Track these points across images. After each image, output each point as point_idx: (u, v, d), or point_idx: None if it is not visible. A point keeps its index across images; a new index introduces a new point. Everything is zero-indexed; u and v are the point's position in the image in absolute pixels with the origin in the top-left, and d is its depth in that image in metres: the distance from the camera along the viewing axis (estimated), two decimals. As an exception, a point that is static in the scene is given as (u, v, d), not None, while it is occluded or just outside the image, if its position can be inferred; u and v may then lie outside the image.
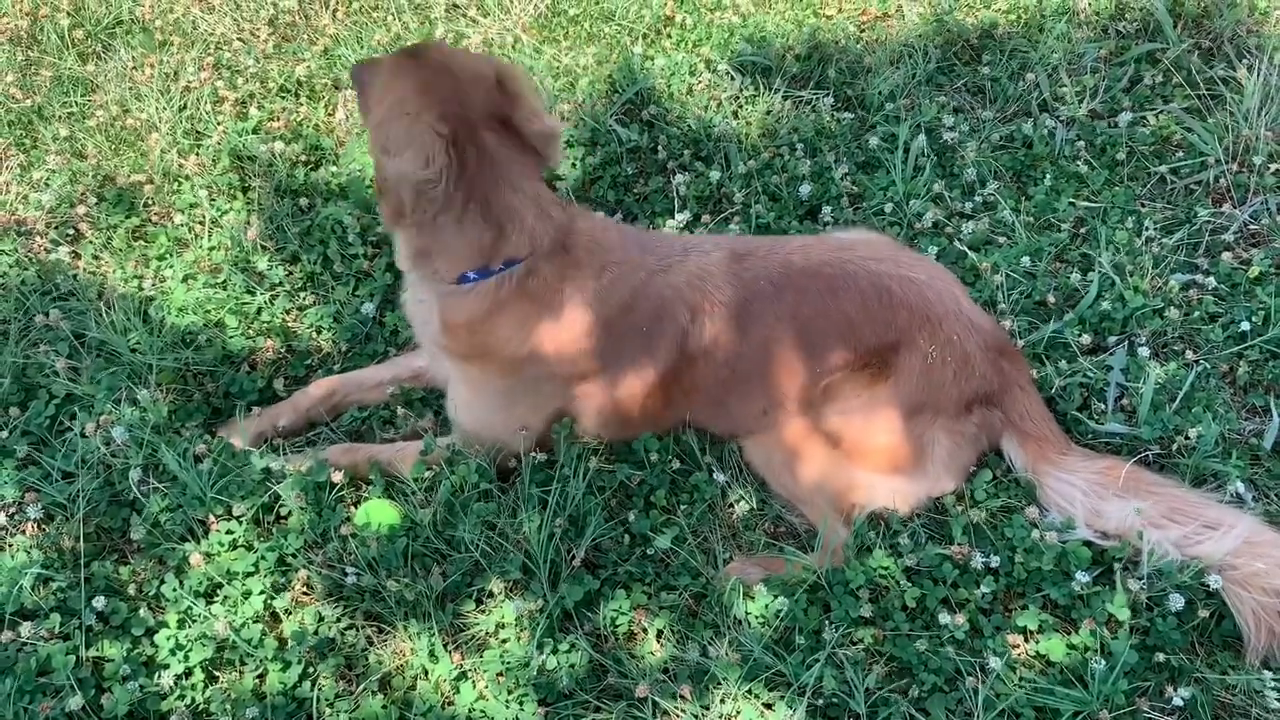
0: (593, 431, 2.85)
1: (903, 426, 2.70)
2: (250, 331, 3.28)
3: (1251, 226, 3.57)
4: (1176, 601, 2.49)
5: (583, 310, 2.67)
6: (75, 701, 2.31)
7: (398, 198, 2.50)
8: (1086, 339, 3.16)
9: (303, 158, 3.80)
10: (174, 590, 2.53)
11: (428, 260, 2.64)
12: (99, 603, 2.48)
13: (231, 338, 3.23)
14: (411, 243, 2.63)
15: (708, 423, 2.91)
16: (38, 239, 3.53)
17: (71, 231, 3.59)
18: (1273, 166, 3.66)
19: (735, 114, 4.01)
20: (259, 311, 3.34)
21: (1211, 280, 3.32)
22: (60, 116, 4.02)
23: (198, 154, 3.82)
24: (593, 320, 2.67)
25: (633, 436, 2.89)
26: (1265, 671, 2.45)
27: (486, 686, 2.43)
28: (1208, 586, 2.51)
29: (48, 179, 3.73)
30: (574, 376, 2.74)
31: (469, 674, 2.45)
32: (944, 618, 2.52)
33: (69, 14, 4.45)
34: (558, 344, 2.68)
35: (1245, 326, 3.15)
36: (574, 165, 3.80)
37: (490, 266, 2.61)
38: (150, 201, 3.69)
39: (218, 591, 2.55)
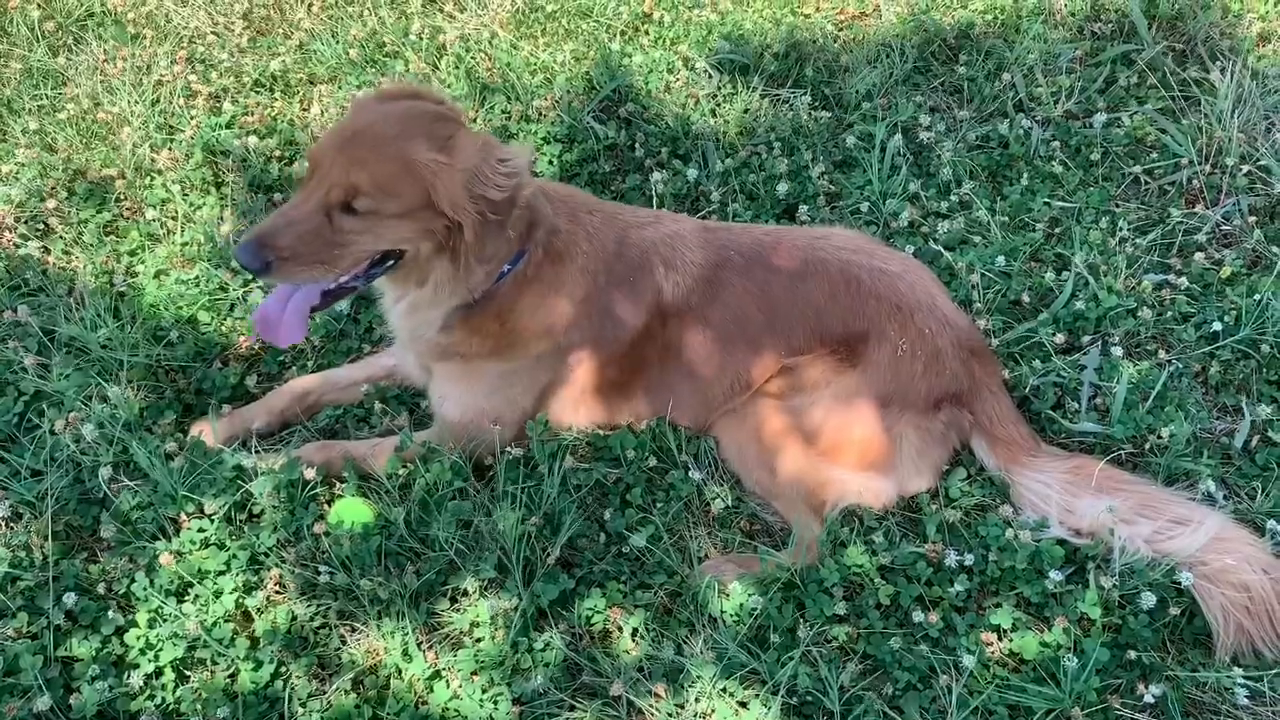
0: (571, 412, 2.87)
1: (873, 421, 2.71)
2: (223, 328, 3.25)
3: (1224, 227, 3.60)
4: (1148, 599, 2.50)
5: (588, 255, 2.75)
6: (43, 701, 2.27)
7: (509, 222, 2.54)
8: (1060, 338, 3.17)
9: (277, 153, 3.77)
10: (144, 589, 2.50)
11: (472, 276, 2.62)
12: (68, 601, 2.45)
13: (204, 334, 3.20)
14: (472, 268, 2.60)
15: (680, 400, 2.90)
16: (6, 233, 3.49)
17: (41, 226, 3.54)
18: (1245, 168, 3.70)
19: (713, 112, 4.01)
20: (232, 307, 3.31)
21: (1184, 280, 3.34)
22: (30, 109, 3.97)
23: (170, 148, 3.78)
24: (598, 260, 2.76)
25: (610, 423, 2.91)
26: (1235, 668, 2.47)
27: (460, 685, 2.41)
28: (1179, 584, 2.53)
29: (17, 172, 3.68)
30: (570, 345, 2.78)
31: (443, 673, 2.44)
32: (918, 616, 2.53)
33: (40, 5, 4.40)
34: (573, 296, 2.74)
35: (1217, 327, 3.18)
36: (551, 162, 3.79)
37: (523, 248, 2.67)
38: (122, 196, 3.65)
39: (189, 590, 2.52)
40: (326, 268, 2.45)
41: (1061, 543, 2.64)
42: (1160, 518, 2.63)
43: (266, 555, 2.59)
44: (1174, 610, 2.52)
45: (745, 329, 2.81)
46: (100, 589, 2.52)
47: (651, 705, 2.39)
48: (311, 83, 4.16)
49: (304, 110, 4.03)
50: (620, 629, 2.54)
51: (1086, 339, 3.21)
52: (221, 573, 2.54)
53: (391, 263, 2.56)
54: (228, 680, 2.39)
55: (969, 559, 2.61)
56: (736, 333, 2.81)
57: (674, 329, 2.81)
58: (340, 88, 4.09)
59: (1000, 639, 2.52)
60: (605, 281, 2.76)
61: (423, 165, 2.41)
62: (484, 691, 2.40)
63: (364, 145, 2.42)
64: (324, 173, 2.42)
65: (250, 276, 2.38)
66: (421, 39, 4.23)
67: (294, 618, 2.49)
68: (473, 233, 2.48)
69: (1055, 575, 2.55)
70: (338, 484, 2.78)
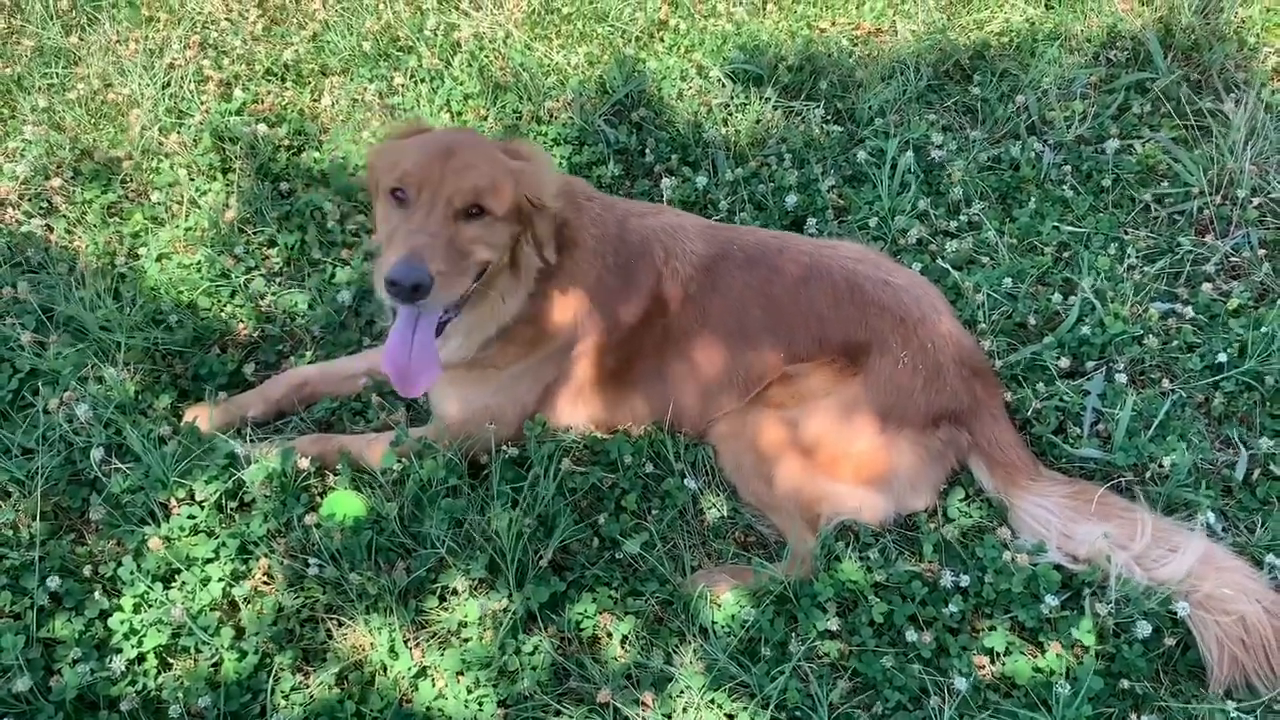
0: (570, 409, 2.86)
1: (872, 434, 2.69)
2: (223, 314, 3.23)
3: (1232, 259, 3.58)
4: (1143, 629, 2.48)
5: (596, 238, 2.77)
6: (23, 682, 2.25)
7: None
8: (1065, 363, 3.15)
9: (285, 142, 3.75)
10: (131, 573, 2.47)
11: (527, 280, 2.68)
12: (53, 582, 2.42)
13: (203, 319, 3.18)
14: (530, 270, 2.67)
15: (677, 398, 2.87)
16: (10, 210, 3.47)
17: (45, 204, 3.52)
18: (1256, 200, 3.68)
19: (725, 121, 3.99)
20: (233, 294, 3.29)
21: (1191, 310, 3.33)
22: (40, 87, 3.95)
23: (179, 133, 3.76)
24: (604, 243, 2.78)
25: (608, 421, 2.90)
26: (1228, 702, 2.44)
27: (446, 685, 2.39)
28: (1174, 615, 2.51)
29: (23, 149, 3.67)
30: (579, 335, 2.78)
31: (429, 671, 2.41)
32: (911, 635, 2.50)
33: (54, -16, 4.38)
34: (587, 282, 2.76)
35: (1222, 358, 3.16)
36: (561, 163, 3.77)
37: None
38: (128, 178, 3.63)
39: (176, 576, 2.50)
40: (462, 281, 2.46)
41: (1058, 568, 2.62)
42: (1156, 546, 2.61)
43: (256, 545, 2.56)
44: (1169, 640, 2.49)
45: (745, 325, 2.79)
46: (86, 571, 2.50)
47: (639, 713, 2.36)
48: (323, 74, 4.14)
49: (315, 101, 4.02)
50: (610, 635, 2.52)
51: (1091, 364, 3.19)
52: (210, 560, 2.52)
53: (477, 283, 2.56)
54: (211, 669, 2.37)
55: (965, 580, 2.59)
56: (736, 328, 2.79)
57: (673, 318, 2.80)
58: (352, 80, 4.07)
59: (993, 662, 2.50)
60: (612, 263, 2.76)
61: (518, 170, 2.51)
62: (469, 692, 2.37)
63: (466, 155, 2.46)
64: (436, 186, 2.42)
65: (402, 302, 2.34)
66: (436, 35, 4.22)
67: (281, 609, 2.47)
68: (549, 227, 2.59)
69: (1051, 600, 2.52)
70: (331, 476, 2.75)
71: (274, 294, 3.32)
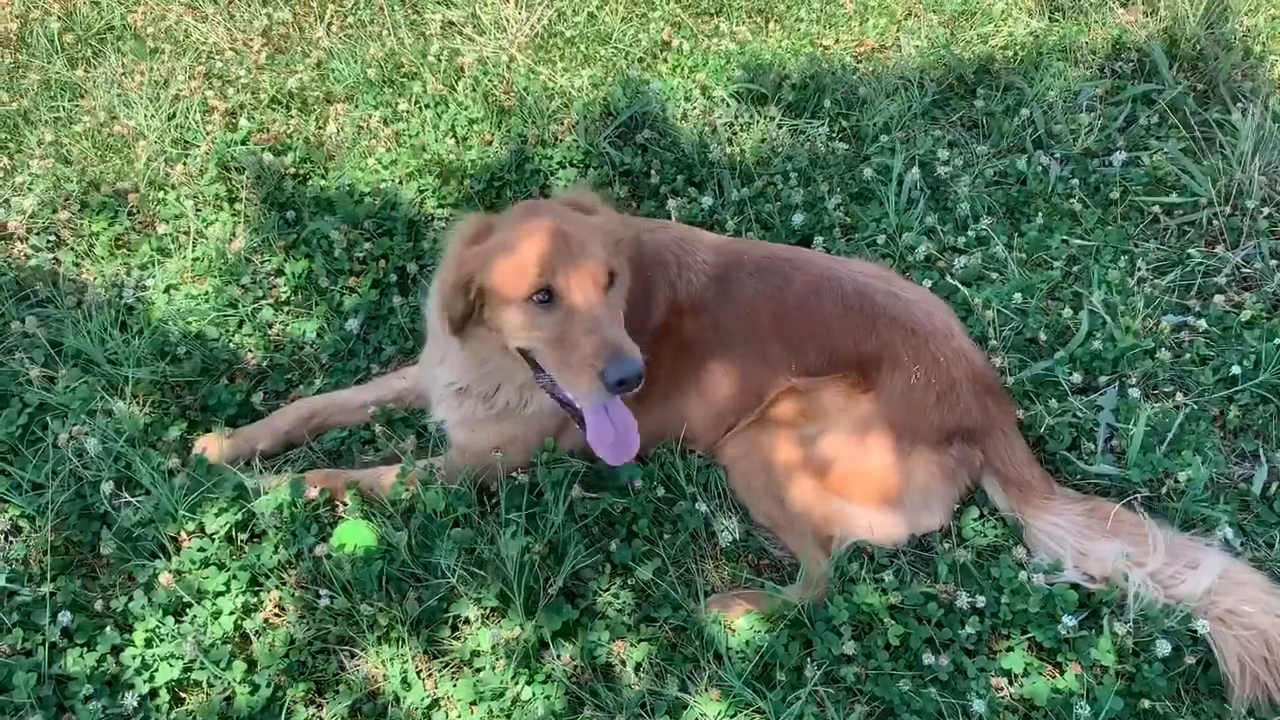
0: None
1: (885, 453, 2.67)
2: (231, 344, 3.23)
3: (1244, 270, 3.56)
4: (1163, 647, 2.45)
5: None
6: (36, 720, 2.24)
7: None
8: (1077, 378, 3.13)
9: (292, 170, 3.76)
10: (142, 607, 2.46)
11: None
12: (64, 618, 2.41)
13: (211, 350, 3.18)
14: None
15: (691, 410, 2.85)
16: (18, 244, 3.48)
17: (53, 237, 3.53)
18: (1265, 210, 3.66)
19: (730, 140, 3.99)
20: (240, 324, 3.29)
21: (1203, 323, 3.30)
22: (46, 121, 3.97)
23: (185, 163, 3.77)
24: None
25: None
26: (1250, 720, 2.41)
27: (459, 715, 2.37)
28: (1194, 632, 2.48)
29: (31, 183, 3.68)
30: None
31: (442, 702, 2.39)
32: (928, 658, 2.47)
33: (60, 18, 4.41)
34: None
35: (1236, 370, 3.13)
36: (565, 186, 3.77)
37: None
38: (135, 210, 3.64)
39: (187, 610, 2.48)
40: None
41: (1075, 587, 2.59)
42: (1174, 562, 2.58)
43: (267, 577, 2.55)
44: (1189, 659, 2.46)
45: (756, 332, 2.78)
46: (98, 606, 2.49)
47: (654, 742, 2.34)
48: (328, 101, 4.15)
49: (320, 128, 4.03)
50: (624, 662, 2.50)
51: (1103, 379, 3.16)
52: (221, 593, 2.51)
53: None
54: (224, 703, 2.36)
55: (981, 601, 2.57)
56: (747, 338, 2.78)
57: (688, 329, 2.79)
58: (357, 107, 4.08)
59: (1011, 684, 2.47)
60: (631, 280, 2.74)
61: (609, 227, 2.59)
62: (483, 722, 2.35)
63: (577, 233, 2.46)
64: (574, 274, 2.40)
65: (625, 393, 2.40)
66: (440, 61, 4.23)
67: (293, 641, 2.45)
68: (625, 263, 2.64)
69: (1069, 620, 2.50)
70: (340, 506, 2.74)
71: (282, 323, 3.32)
